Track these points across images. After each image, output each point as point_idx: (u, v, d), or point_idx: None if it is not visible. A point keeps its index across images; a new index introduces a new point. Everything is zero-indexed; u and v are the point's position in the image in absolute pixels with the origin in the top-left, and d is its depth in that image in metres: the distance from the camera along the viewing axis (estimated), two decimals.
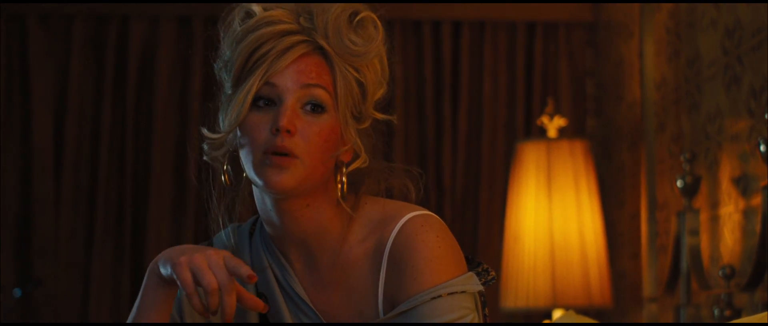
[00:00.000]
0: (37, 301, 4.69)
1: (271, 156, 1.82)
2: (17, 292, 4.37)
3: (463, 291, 1.84)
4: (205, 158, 1.94)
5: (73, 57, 4.81)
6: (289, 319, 1.93)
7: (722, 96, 3.42)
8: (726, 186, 3.38)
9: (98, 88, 4.83)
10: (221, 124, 1.90)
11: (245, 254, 1.99)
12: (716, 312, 3.21)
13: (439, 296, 1.82)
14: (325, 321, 1.91)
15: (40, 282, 4.52)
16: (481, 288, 1.88)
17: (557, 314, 4.12)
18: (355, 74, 1.87)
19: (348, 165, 1.90)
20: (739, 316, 3.17)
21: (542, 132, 4.41)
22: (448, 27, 4.91)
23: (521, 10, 4.92)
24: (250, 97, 1.83)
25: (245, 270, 1.73)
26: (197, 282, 1.73)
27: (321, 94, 1.84)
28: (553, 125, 4.33)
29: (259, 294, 1.96)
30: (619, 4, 4.59)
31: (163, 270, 1.79)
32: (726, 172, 3.38)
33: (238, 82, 1.86)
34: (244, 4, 1.89)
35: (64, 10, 4.82)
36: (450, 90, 4.90)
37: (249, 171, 1.87)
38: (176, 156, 4.83)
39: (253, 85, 1.83)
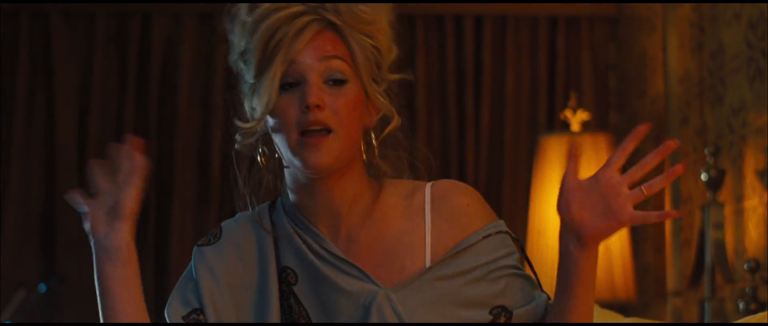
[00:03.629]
0: (61, 298, 4.70)
1: (307, 137, 1.87)
2: (42, 288, 4.38)
3: (507, 232, 1.97)
4: (237, 147, 1.98)
5: (96, 54, 4.83)
6: (334, 279, 1.92)
7: (746, 89, 3.41)
8: (750, 179, 3.37)
9: (121, 85, 4.85)
10: (248, 114, 1.94)
11: (266, 225, 2.01)
12: (741, 305, 3.20)
13: (489, 235, 1.94)
14: (370, 275, 1.92)
15: (64, 278, 4.53)
16: (515, 235, 2.00)
17: None
18: (370, 40, 1.93)
19: (382, 129, 1.97)
20: (763, 310, 3.16)
21: (565, 126, 4.40)
22: (470, 22, 4.91)
23: (543, 5, 4.91)
24: (277, 82, 1.88)
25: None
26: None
27: (340, 66, 1.90)
28: (576, 119, 4.32)
29: (284, 269, 1.96)
30: None
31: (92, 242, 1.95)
32: (750, 165, 3.38)
33: (261, 70, 1.90)
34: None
35: (88, 8, 4.83)
36: (473, 84, 4.89)
37: (285, 153, 1.91)
38: (199, 151, 4.84)
39: (277, 69, 1.88)
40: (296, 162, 1.89)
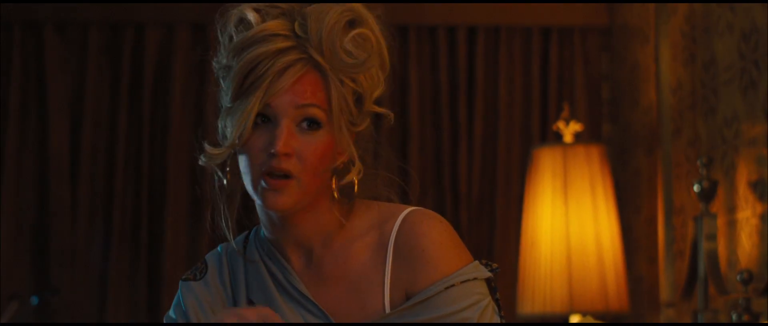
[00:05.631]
0: (53, 309, 4.69)
1: (268, 178, 1.85)
2: (34, 300, 4.37)
3: (474, 279, 1.88)
4: (201, 163, 1.96)
5: (89, 64, 4.82)
6: (292, 320, 1.92)
7: (739, 100, 3.41)
8: (743, 190, 3.37)
9: (114, 96, 4.84)
10: (220, 132, 1.91)
11: (238, 260, 2.01)
12: (734, 316, 3.20)
13: (453, 285, 1.86)
14: (329, 316, 1.92)
15: (57, 290, 4.52)
16: (489, 274, 1.92)
17: (574, 319, 4.11)
18: (352, 84, 1.87)
19: (342, 173, 1.92)
20: (757, 321, 3.16)
21: (558, 137, 4.40)
22: (463, 32, 4.91)
23: (536, 15, 4.91)
24: (251, 120, 1.85)
25: None
26: None
27: (316, 113, 1.85)
28: (568, 130, 4.32)
29: (249, 302, 1.97)
30: (635, 8, 4.58)
31: None
32: (743, 177, 3.38)
33: (237, 99, 1.87)
34: (240, 6, 1.89)
35: (80, 19, 4.83)
36: (465, 95, 4.89)
37: (247, 185, 1.90)
38: (192, 162, 4.82)
39: (252, 107, 1.84)
40: (257, 199, 1.88)
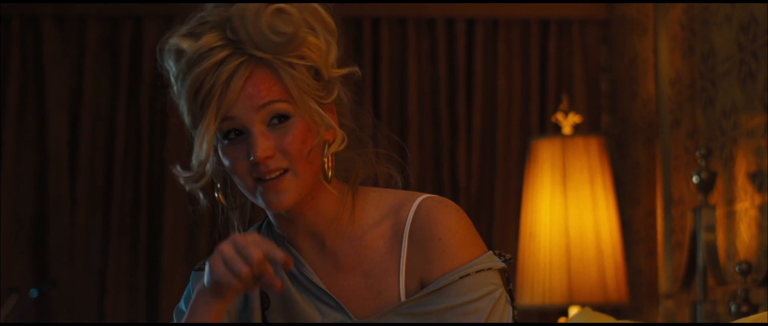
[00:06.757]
0: (53, 303, 4.70)
1: (262, 183, 1.84)
2: (34, 293, 4.38)
3: (489, 269, 1.89)
4: (188, 189, 1.95)
5: (87, 58, 4.82)
6: (307, 310, 1.93)
7: (737, 91, 3.41)
8: (742, 181, 3.38)
9: (113, 89, 4.84)
10: (193, 159, 1.91)
11: None
12: (733, 307, 3.20)
13: (468, 275, 1.86)
14: (343, 306, 1.92)
15: (56, 283, 4.52)
16: (503, 265, 1.93)
17: (573, 311, 4.12)
18: (302, 62, 1.85)
19: (329, 146, 1.90)
20: (755, 312, 3.16)
21: (557, 129, 4.40)
22: (461, 25, 4.91)
23: (535, 8, 4.91)
24: (210, 139, 1.84)
25: (279, 254, 1.75)
26: (231, 271, 1.75)
27: (279, 107, 1.84)
28: (567, 122, 4.32)
29: (262, 293, 1.97)
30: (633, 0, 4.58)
31: (205, 279, 1.82)
32: (741, 168, 3.38)
33: (195, 122, 1.87)
34: (170, 40, 1.88)
35: (79, 12, 4.83)
36: (464, 88, 4.89)
37: (248, 196, 1.90)
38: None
39: (209, 125, 1.83)
40: (260, 203, 1.87)
